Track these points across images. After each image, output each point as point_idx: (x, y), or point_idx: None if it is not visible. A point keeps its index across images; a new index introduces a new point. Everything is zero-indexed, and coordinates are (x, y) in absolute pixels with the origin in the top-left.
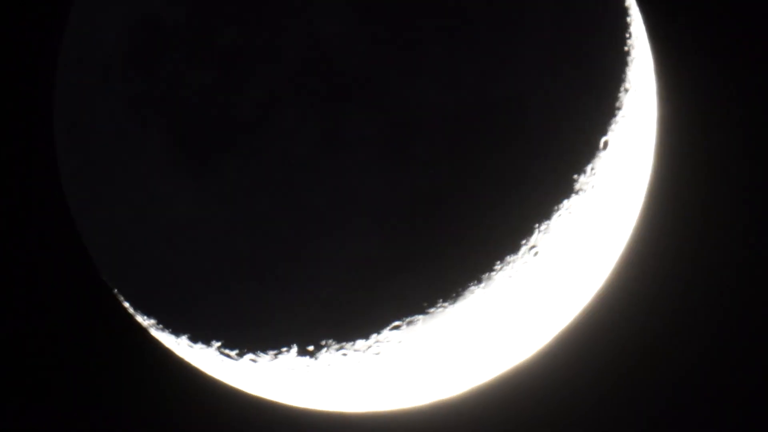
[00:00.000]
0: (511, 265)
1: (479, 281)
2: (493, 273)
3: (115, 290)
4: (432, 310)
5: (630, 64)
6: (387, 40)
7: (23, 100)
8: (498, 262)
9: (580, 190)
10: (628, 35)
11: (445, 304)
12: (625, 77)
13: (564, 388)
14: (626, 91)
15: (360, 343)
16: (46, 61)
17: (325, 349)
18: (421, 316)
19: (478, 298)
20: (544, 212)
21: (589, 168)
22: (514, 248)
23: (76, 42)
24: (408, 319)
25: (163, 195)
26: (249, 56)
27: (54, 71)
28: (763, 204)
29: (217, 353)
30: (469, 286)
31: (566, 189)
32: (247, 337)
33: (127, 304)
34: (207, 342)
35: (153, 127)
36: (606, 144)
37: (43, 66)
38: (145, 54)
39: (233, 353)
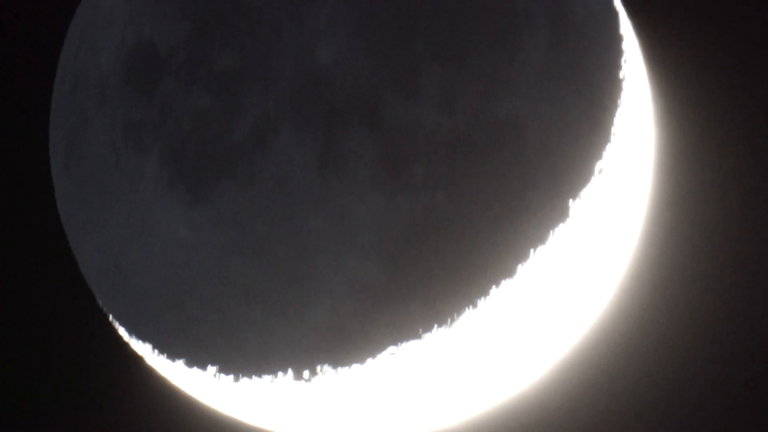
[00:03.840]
0: (507, 290)
1: (475, 306)
2: (489, 298)
3: (111, 316)
4: (428, 335)
5: (626, 90)
6: (383, 64)
7: (18, 126)
8: (494, 287)
9: (576, 215)
10: (624, 61)
11: (441, 329)
12: (621, 103)
13: (563, 418)
14: (622, 116)
15: (356, 369)
16: (40, 87)
17: (320, 374)
18: (417, 342)
19: (474, 324)
20: (541, 237)
21: (584, 193)
22: (511, 273)
23: (71, 67)
24: (404, 345)
25: (158, 220)
26: (244, 81)
27: (48, 97)
28: (764, 229)
29: (213, 378)
30: (465, 311)
31: (562, 214)
32: (243, 361)
33: (122, 330)
34: (203, 367)
35: (148, 152)
36: (602, 169)
37: (38, 91)
38: (140, 79)
39: (229, 378)
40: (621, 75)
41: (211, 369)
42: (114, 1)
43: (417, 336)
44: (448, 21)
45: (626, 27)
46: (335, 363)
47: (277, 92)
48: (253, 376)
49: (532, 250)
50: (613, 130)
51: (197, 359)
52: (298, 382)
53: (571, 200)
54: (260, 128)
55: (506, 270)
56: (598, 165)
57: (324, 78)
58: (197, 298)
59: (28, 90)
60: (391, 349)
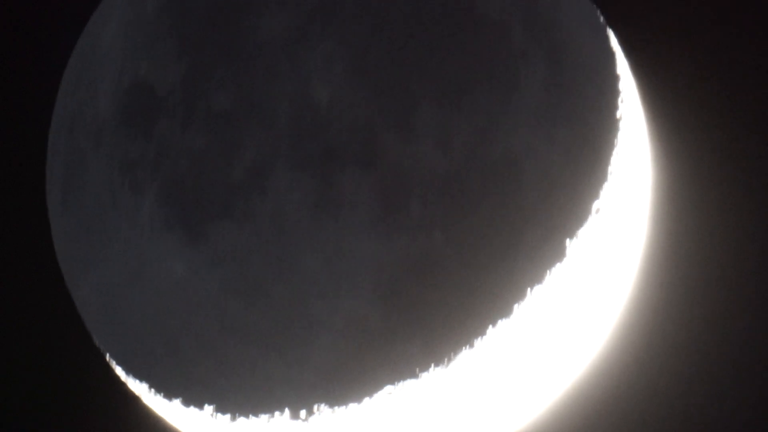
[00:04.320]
0: (504, 329)
1: (472, 346)
2: (486, 337)
3: (108, 355)
4: (425, 374)
5: (623, 129)
6: (379, 103)
7: (15, 165)
8: (491, 327)
9: (573, 254)
10: (620, 101)
11: (438, 368)
12: (618, 142)
13: None
14: (619, 156)
15: (353, 408)
16: (37, 128)
17: (318, 413)
18: (414, 381)
19: (471, 363)
20: (537, 276)
21: (581, 233)
22: (507, 313)
23: (68, 107)
24: (401, 384)
25: (156, 259)
26: (241, 120)
27: (46, 136)
28: (762, 271)
29: (210, 418)
30: (462, 351)
31: (559, 253)
32: (240, 400)
33: (119, 369)
34: (200, 406)
35: (145, 192)
36: (599, 209)
37: (35, 131)
38: (137, 119)
39: (226, 417)
40: (618, 115)
41: (208, 408)
42: (111, 42)
43: (414, 375)
44: (444, 60)
45: (623, 67)
46: (332, 402)
47: (273, 132)
48: (250, 416)
49: (528, 290)
50: (610, 169)
51: (194, 399)
52: (295, 422)
53: (567, 239)
54: (257, 168)
55: (503, 309)
56: (595, 204)
57: (320, 117)
58: (194, 337)
59: (26, 129)
60: (388, 388)
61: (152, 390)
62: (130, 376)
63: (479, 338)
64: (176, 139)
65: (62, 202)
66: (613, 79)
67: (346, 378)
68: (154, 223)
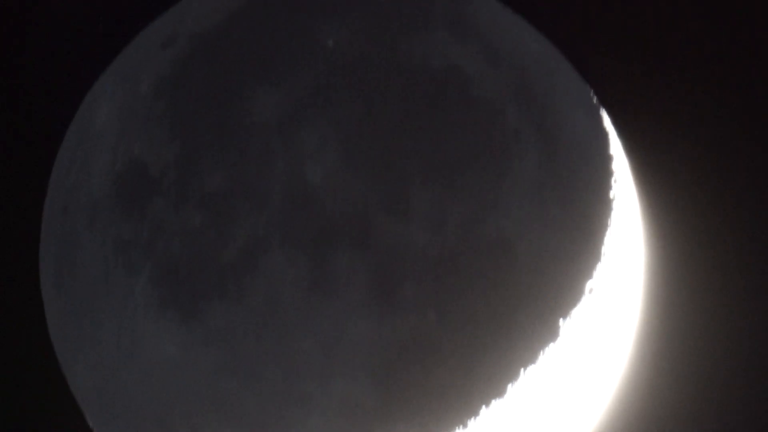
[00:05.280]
0: (498, 410)
1: (466, 426)
2: (479, 418)
3: None
4: None
5: (616, 209)
6: (373, 184)
7: (7, 248)
8: (484, 407)
9: (567, 335)
10: (614, 181)
11: None
12: (611, 223)
13: None
14: (612, 236)
15: None
16: (31, 207)
17: None
18: None
19: None
20: (531, 357)
21: (575, 313)
22: (501, 393)
23: (62, 187)
24: None
25: (149, 339)
26: (234, 201)
27: (39, 218)
28: (755, 347)
29: None
30: None
31: (552, 334)
32: None
33: None
34: None
35: (139, 272)
36: (592, 289)
37: (29, 212)
38: (130, 199)
39: None
40: (611, 195)
41: None
42: (105, 122)
43: None
44: (437, 141)
45: (616, 147)
46: None
47: (267, 212)
48: None
49: (522, 370)
50: (603, 249)
51: None
52: None
53: (561, 320)
54: (250, 248)
55: (496, 390)
56: (589, 284)
57: (314, 198)
58: (187, 418)
59: (19, 208)
60: None
61: None
62: None
63: (473, 419)
64: (170, 219)
65: (56, 281)
66: (607, 159)
67: None
68: (147, 303)
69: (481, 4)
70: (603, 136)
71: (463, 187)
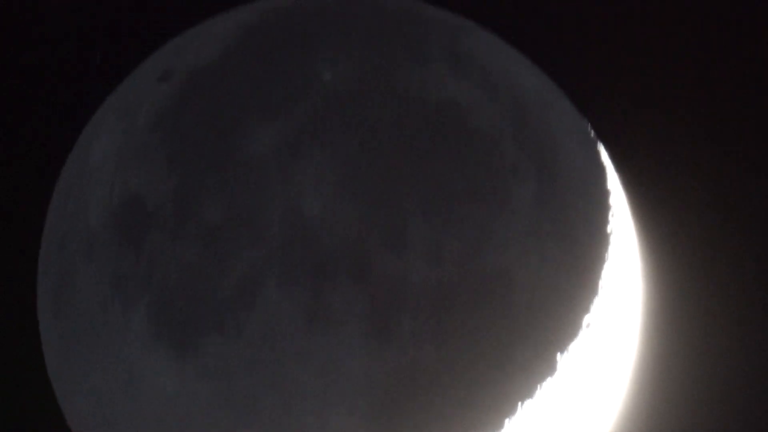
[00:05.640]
0: None
1: None
2: None
3: None
4: None
5: (613, 243)
6: (370, 217)
7: (5, 280)
8: None
9: (564, 369)
10: (611, 215)
11: None
12: (609, 257)
13: None
14: (610, 270)
15: None
16: (28, 241)
17: None
18: None
19: None
20: (528, 391)
21: (572, 347)
22: (498, 427)
23: (59, 221)
24: None
25: (146, 373)
26: (232, 233)
27: (36, 251)
28: (753, 389)
29: None
30: None
31: (550, 368)
32: None
33: None
34: None
35: (136, 306)
36: (590, 323)
37: (26, 246)
38: (128, 233)
39: None
40: (608, 229)
41: None
42: (102, 155)
43: None
44: (435, 174)
45: (614, 181)
46: None
47: (264, 245)
48: None
49: (519, 404)
50: (601, 284)
51: None
52: None
53: (558, 354)
54: (247, 281)
55: (494, 424)
56: (586, 319)
57: (311, 231)
58: None
59: (16, 243)
60: None
61: None
62: None
63: None
64: (167, 253)
65: (53, 314)
66: (604, 193)
67: None
68: (144, 337)
69: (479, 38)
70: (600, 170)
71: (461, 221)
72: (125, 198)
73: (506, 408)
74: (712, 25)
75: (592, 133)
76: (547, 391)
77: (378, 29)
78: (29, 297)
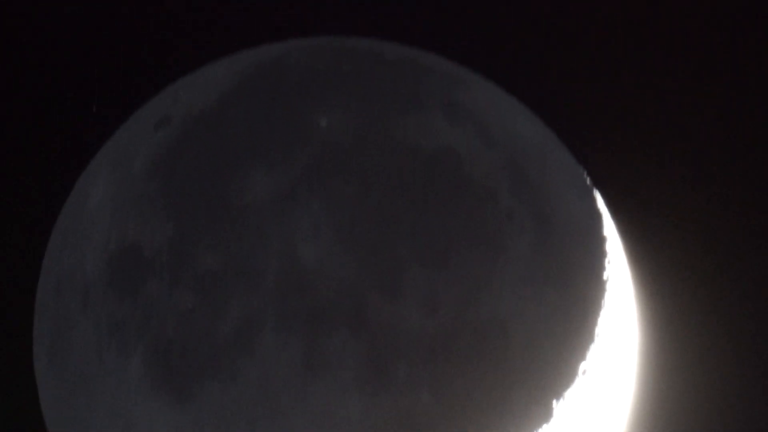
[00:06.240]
0: None
1: None
2: None
3: None
4: None
5: (610, 290)
6: (366, 264)
7: (0, 328)
8: None
9: (560, 416)
10: (607, 262)
11: None
12: (605, 304)
13: None
14: (606, 317)
15: None
16: (24, 288)
17: None
18: None
19: None
20: None
21: (568, 394)
22: None
23: (55, 268)
24: None
25: (143, 420)
26: (228, 281)
27: (33, 298)
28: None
29: None
30: None
31: (546, 415)
32: None
33: None
34: None
35: (132, 353)
36: (586, 370)
37: (22, 292)
38: (124, 280)
39: None
40: (605, 276)
41: None
42: (98, 202)
43: None
44: (431, 222)
45: (610, 228)
46: None
47: (260, 293)
48: None
49: None
50: (597, 330)
51: None
52: None
53: (554, 401)
54: (244, 329)
55: None
56: (582, 366)
57: (307, 279)
58: None
59: (12, 290)
60: None
61: None
62: None
63: None
64: (163, 300)
65: (49, 361)
66: (600, 240)
67: None
68: (140, 385)
69: (475, 85)
70: (596, 217)
71: (457, 268)
72: (121, 245)
73: None
74: (705, 74)
75: (588, 180)
76: None
77: (375, 77)
78: (25, 345)
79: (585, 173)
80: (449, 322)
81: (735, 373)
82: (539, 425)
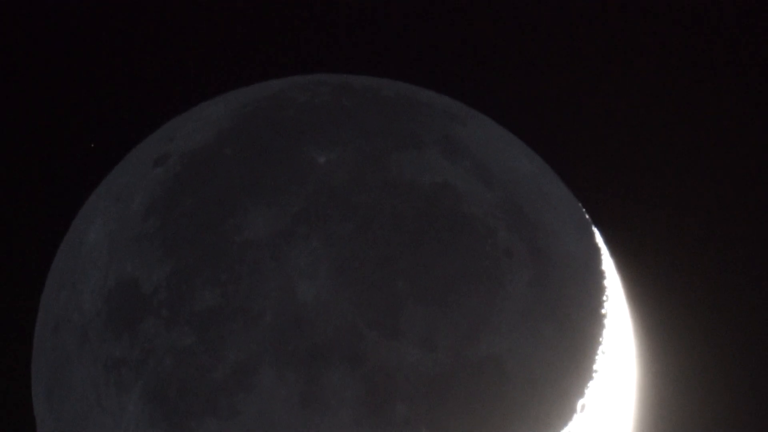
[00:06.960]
0: None
1: None
2: None
3: None
4: None
5: (608, 326)
6: (365, 302)
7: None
8: None
9: None
10: (605, 298)
11: None
12: (603, 340)
13: None
14: (604, 353)
15: None
16: (21, 326)
17: None
18: None
19: None
20: None
21: (567, 430)
22: None
23: (53, 306)
24: None
25: None
26: (226, 318)
27: (30, 336)
28: None
29: None
30: None
31: None
32: None
33: None
34: None
35: (130, 390)
36: (584, 406)
37: (20, 331)
38: (122, 318)
39: None
40: (603, 311)
41: None
42: (96, 240)
43: None
44: (429, 259)
45: (608, 263)
46: None
47: (258, 330)
48: None
49: None
50: (595, 366)
51: None
52: None
53: None
54: (242, 365)
55: None
56: (580, 402)
57: (305, 316)
58: None
59: (11, 327)
60: None
61: None
62: None
63: None
64: (161, 338)
65: (48, 399)
66: (598, 276)
67: None
68: (138, 421)
69: (473, 122)
70: (595, 252)
71: (455, 306)
72: (119, 283)
73: None
74: (702, 114)
75: (586, 216)
76: None
77: (373, 114)
78: (23, 383)
79: (583, 209)
80: (448, 360)
81: (735, 410)
82: None
